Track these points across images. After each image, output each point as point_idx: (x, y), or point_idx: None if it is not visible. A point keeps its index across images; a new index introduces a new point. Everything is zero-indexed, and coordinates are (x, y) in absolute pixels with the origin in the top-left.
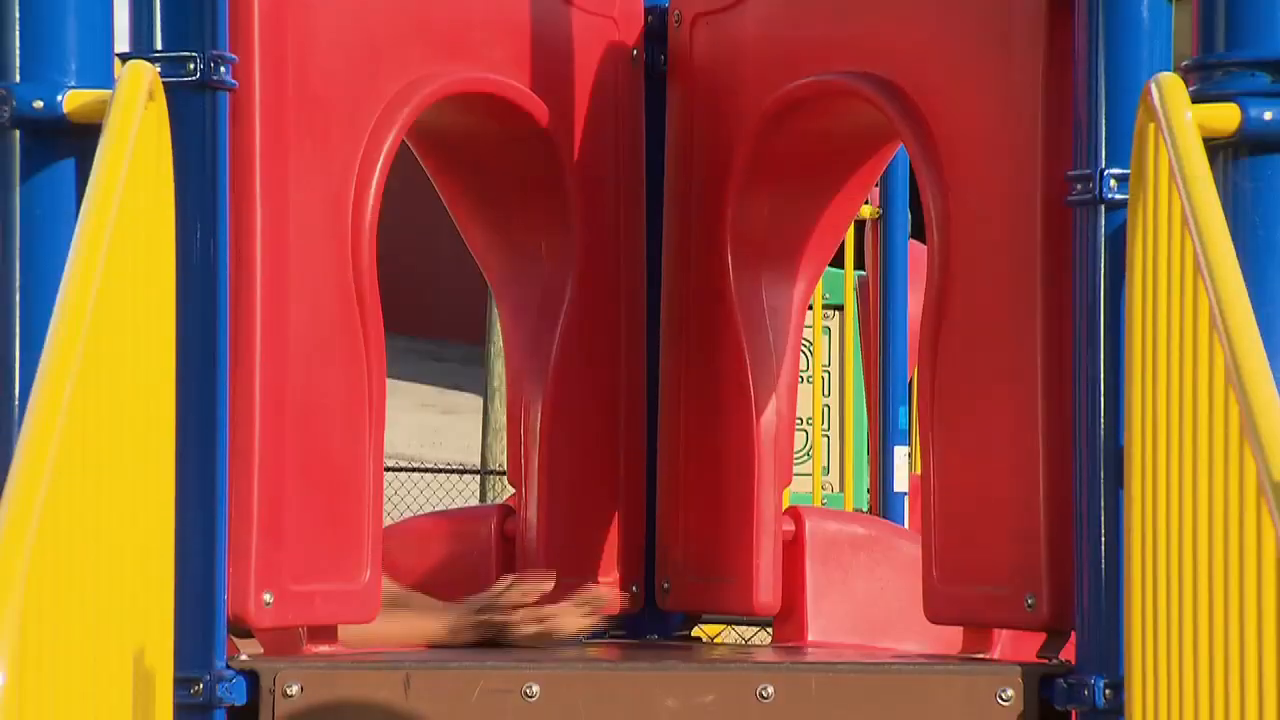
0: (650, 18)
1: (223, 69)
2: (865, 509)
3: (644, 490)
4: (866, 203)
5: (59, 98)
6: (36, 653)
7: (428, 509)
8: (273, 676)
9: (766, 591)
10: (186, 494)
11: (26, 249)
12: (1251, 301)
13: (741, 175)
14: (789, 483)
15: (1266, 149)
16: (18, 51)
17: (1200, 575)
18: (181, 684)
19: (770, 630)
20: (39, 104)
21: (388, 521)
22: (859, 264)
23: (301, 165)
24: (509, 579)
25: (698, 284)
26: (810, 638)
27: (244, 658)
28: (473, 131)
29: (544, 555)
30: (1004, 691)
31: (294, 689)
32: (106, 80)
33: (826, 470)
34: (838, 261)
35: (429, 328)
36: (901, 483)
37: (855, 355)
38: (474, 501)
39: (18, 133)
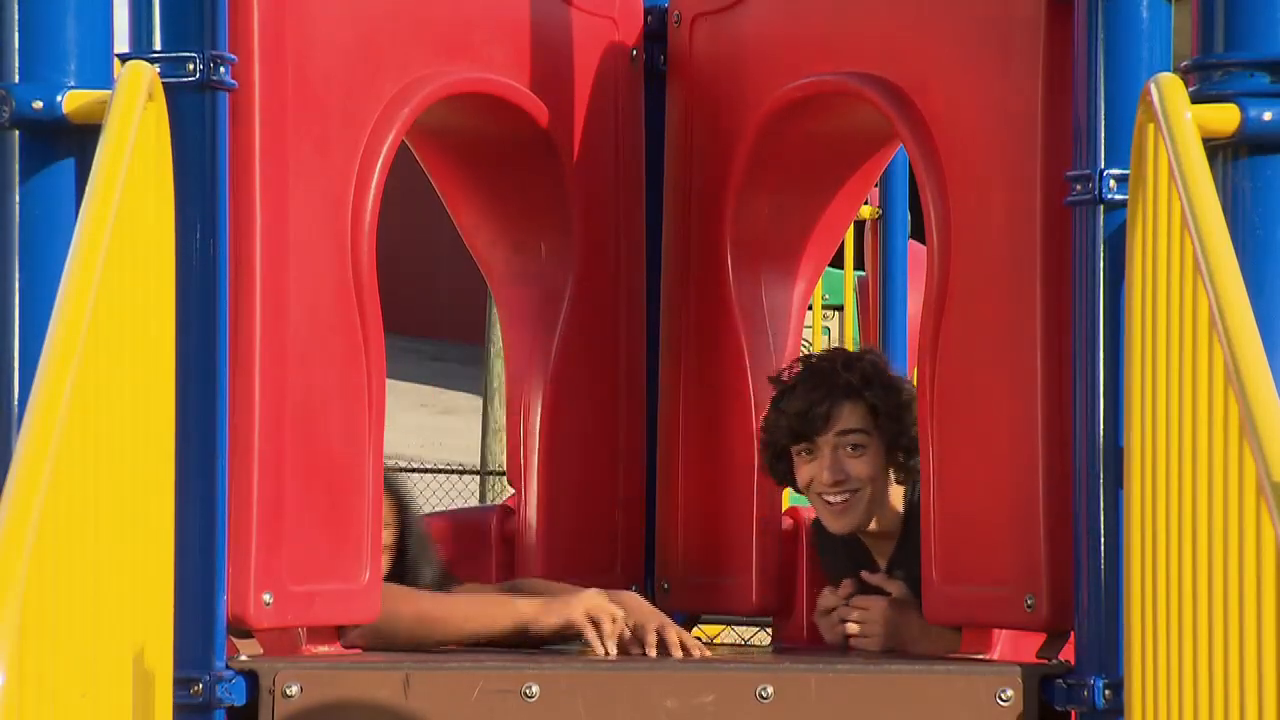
0: (650, 18)
1: (222, 69)
2: None
3: (644, 491)
4: (866, 203)
5: (59, 98)
6: (36, 653)
7: (427, 509)
8: (272, 676)
9: (766, 591)
10: (186, 494)
11: (26, 249)
12: (1251, 301)
13: (741, 175)
14: None
15: (1266, 149)
16: (17, 51)
17: (1200, 575)
18: (181, 684)
19: (770, 630)
20: (39, 104)
21: None
22: (859, 264)
23: (301, 165)
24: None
25: (698, 284)
26: (810, 637)
27: (244, 658)
28: (473, 131)
29: (543, 556)
30: (1004, 691)
31: (294, 689)
32: (106, 80)
33: None
34: (838, 261)
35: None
36: None
37: None
38: (473, 502)
39: (17, 133)
